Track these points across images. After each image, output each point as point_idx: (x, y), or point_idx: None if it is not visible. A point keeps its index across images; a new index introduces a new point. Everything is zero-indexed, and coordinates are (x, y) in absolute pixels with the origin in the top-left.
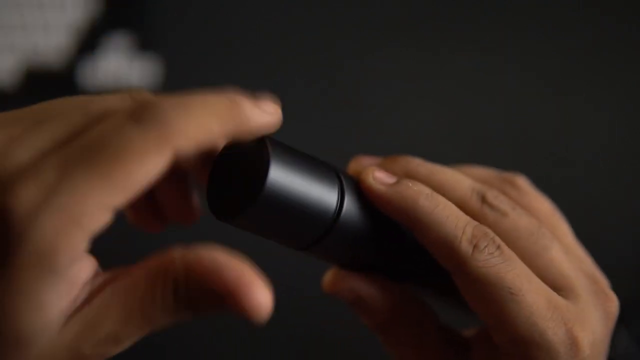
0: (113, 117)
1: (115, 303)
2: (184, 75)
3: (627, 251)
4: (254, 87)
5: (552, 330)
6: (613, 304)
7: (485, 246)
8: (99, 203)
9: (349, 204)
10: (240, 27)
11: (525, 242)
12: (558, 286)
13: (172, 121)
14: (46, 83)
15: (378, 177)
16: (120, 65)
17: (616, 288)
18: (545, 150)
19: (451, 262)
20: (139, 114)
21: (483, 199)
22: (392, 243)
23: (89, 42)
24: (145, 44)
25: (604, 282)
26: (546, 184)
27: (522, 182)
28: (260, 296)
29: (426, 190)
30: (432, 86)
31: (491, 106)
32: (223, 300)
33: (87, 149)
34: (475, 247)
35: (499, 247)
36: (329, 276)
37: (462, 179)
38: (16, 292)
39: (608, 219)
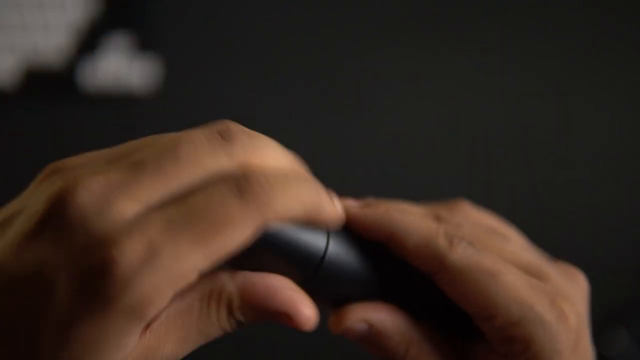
0: (218, 186)
1: (173, 326)
2: (184, 75)
3: (627, 251)
4: (254, 87)
5: (540, 303)
6: (582, 278)
7: (459, 241)
8: (194, 267)
9: (335, 242)
10: (240, 27)
11: (486, 239)
12: (527, 271)
13: (271, 201)
14: (46, 83)
15: (351, 203)
16: (120, 65)
17: (616, 288)
18: (545, 150)
19: (433, 261)
20: (243, 187)
21: (438, 218)
22: (380, 270)
23: (89, 42)
24: (145, 44)
25: (566, 263)
26: (546, 184)
27: (464, 204)
28: (308, 311)
29: (394, 205)
30: (432, 86)
31: (491, 106)
32: (277, 317)
33: (191, 215)
34: (450, 242)
35: (470, 241)
36: (334, 315)
37: (416, 207)
38: (105, 331)
39: (608, 219)
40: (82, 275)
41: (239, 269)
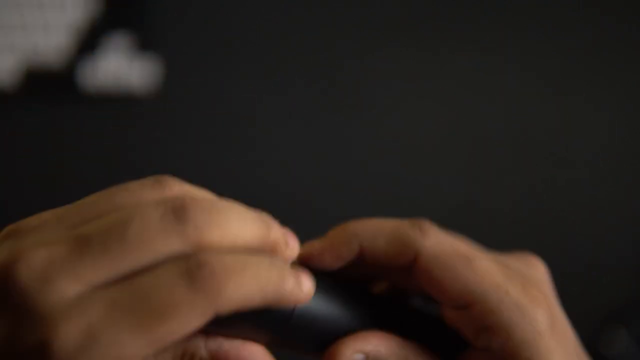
0: (168, 270)
1: None
2: (184, 75)
3: (627, 251)
4: (254, 87)
5: (513, 288)
6: (540, 263)
7: (429, 227)
8: (134, 355)
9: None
10: (240, 27)
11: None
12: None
13: (223, 289)
14: (46, 83)
15: (314, 244)
16: (120, 65)
17: (616, 288)
18: (545, 150)
19: (408, 252)
20: (194, 273)
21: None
22: (359, 306)
23: (89, 42)
24: (145, 44)
25: (520, 252)
26: (546, 184)
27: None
28: None
29: (350, 222)
30: (432, 86)
31: (491, 106)
32: None
33: (135, 299)
34: (421, 230)
35: (436, 229)
36: (325, 356)
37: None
38: None
39: (608, 219)
40: (15, 356)
41: (209, 325)
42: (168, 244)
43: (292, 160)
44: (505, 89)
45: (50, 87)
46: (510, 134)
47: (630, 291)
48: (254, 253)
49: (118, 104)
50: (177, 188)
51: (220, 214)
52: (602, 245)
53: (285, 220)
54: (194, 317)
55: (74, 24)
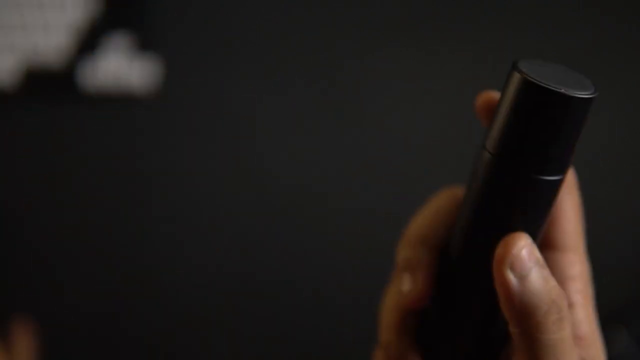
0: None
1: None
2: (184, 75)
3: (627, 251)
4: (254, 87)
5: None
6: None
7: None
8: None
9: None
10: (240, 27)
11: None
12: None
13: None
14: (46, 83)
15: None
16: (120, 65)
17: (616, 288)
18: None
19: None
20: None
21: None
22: None
23: (89, 42)
24: (145, 44)
25: None
26: None
27: None
28: None
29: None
30: (432, 86)
31: None
32: None
33: None
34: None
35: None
36: (500, 245)
37: None
38: None
39: (608, 219)
40: None
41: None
42: None
43: (291, 160)
44: None
45: (50, 87)
46: None
47: (630, 291)
48: None
49: (118, 104)
50: None
51: None
52: (602, 245)
53: (285, 219)
54: None
55: (74, 24)
